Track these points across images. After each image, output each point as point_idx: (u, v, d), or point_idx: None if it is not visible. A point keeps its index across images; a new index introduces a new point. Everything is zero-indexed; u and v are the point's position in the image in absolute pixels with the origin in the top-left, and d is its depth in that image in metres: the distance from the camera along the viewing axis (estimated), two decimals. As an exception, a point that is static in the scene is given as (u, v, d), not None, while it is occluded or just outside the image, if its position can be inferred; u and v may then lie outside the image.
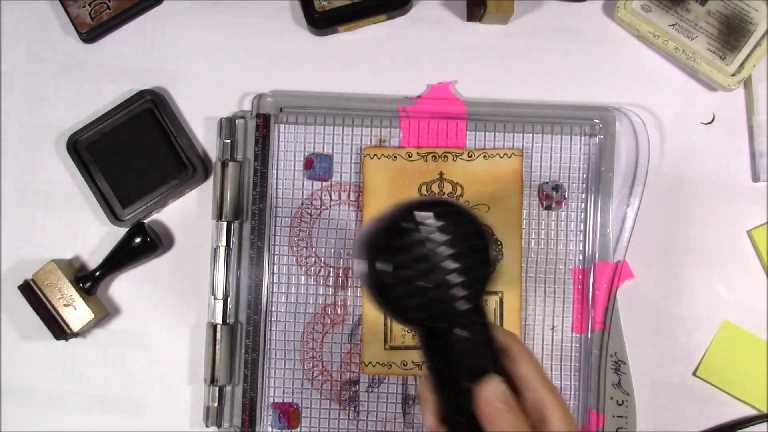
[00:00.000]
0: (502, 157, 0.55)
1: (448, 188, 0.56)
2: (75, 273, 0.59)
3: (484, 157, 0.54)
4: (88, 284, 0.58)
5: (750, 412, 0.59)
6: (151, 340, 0.60)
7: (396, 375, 0.57)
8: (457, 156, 0.54)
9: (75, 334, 0.58)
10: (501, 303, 0.53)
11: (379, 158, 0.55)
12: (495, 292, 0.55)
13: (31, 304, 0.57)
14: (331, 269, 0.59)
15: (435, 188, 0.56)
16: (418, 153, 0.55)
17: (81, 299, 0.57)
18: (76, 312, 0.57)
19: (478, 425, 0.35)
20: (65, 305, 0.57)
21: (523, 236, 0.59)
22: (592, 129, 0.59)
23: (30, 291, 0.58)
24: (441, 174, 0.55)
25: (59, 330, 0.57)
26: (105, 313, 0.60)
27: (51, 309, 0.57)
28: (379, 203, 0.56)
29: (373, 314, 0.57)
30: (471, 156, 0.54)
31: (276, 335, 0.59)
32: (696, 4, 0.58)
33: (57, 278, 0.57)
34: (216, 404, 0.58)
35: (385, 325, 0.57)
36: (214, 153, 0.60)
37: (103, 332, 0.60)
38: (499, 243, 0.55)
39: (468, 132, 0.60)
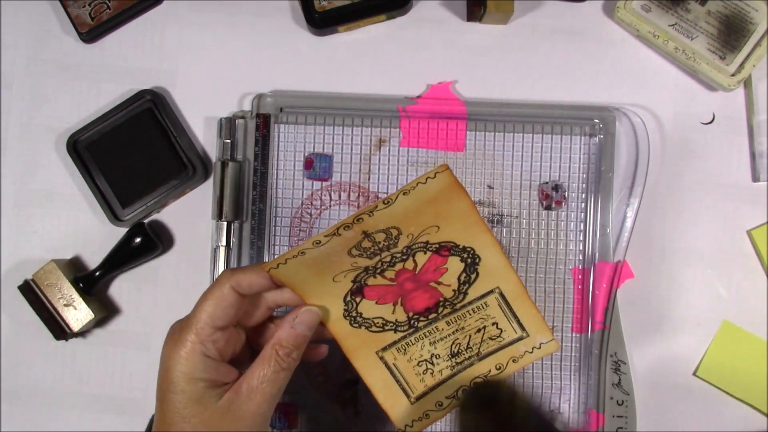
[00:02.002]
0: (425, 182, 0.45)
1: (380, 237, 0.47)
2: (75, 273, 0.59)
3: (404, 194, 0.45)
4: (88, 284, 0.58)
5: (750, 412, 0.59)
6: (151, 340, 0.60)
7: (440, 420, 0.52)
8: (372, 211, 0.45)
9: (75, 334, 0.58)
10: (502, 295, 0.51)
11: (285, 264, 0.44)
12: (490, 291, 0.50)
13: (31, 304, 0.57)
14: (331, 269, 0.59)
15: (366, 244, 0.46)
16: (325, 236, 0.44)
17: (81, 299, 0.57)
18: (76, 312, 0.57)
19: None
20: (65, 305, 0.57)
21: (523, 236, 0.59)
22: (592, 129, 0.59)
23: (30, 291, 0.58)
24: (364, 233, 0.46)
25: (59, 330, 0.57)
26: (105, 313, 0.60)
27: (51, 309, 0.57)
28: (317, 288, 0.47)
29: (378, 377, 0.50)
30: (388, 202, 0.45)
31: (276, 335, 0.59)
32: (696, 4, 0.58)
33: (57, 278, 0.57)
34: (216, 404, 0.58)
35: (398, 380, 0.50)
36: (214, 153, 0.60)
37: (103, 332, 0.61)
38: (468, 249, 0.50)
39: (468, 132, 0.60)
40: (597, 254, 0.58)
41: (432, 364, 0.51)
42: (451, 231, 0.49)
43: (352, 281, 0.48)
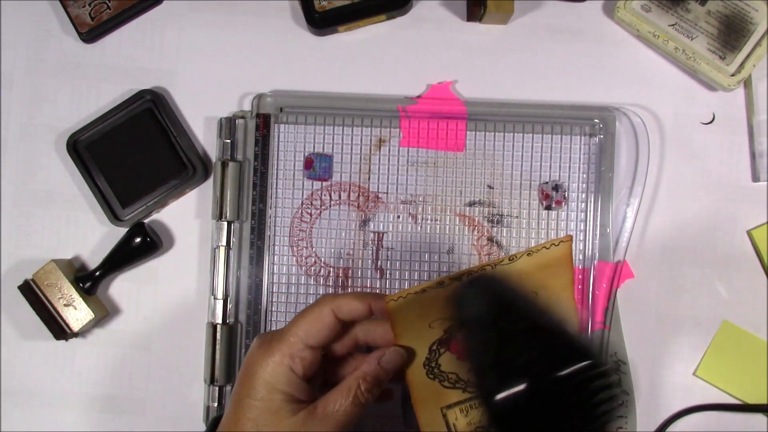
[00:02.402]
0: (549, 248, 0.46)
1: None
2: (75, 273, 0.59)
3: (529, 254, 0.45)
4: (88, 284, 0.58)
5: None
6: (151, 340, 0.60)
7: None
8: (496, 265, 0.45)
9: (75, 334, 0.58)
10: None
11: (405, 298, 0.44)
12: None
13: (31, 304, 0.57)
14: (331, 269, 0.59)
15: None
16: (450, 278, 0.44)
17: (81, 299, 0.57)
18: (76, 312, 0.57)
19: None
20: (65, 305, 0.57)
21: (523, 236, 0.59)
22: (592, 129, 0.59)
23: (30, 291, 0.58)
24: None
25: (59, 330, 0.57)
26: (105, 313, 0.60)
27: (51, 309, 0.57)
28: (413, 327, 0.46)
29: (420, 390, 0.48)
30: (513, 259, 0.45)
31: (276, 335, 0.59)
32: (696, 4, 0.58)
33: (57, 278, 0.57)
34: (216, 404, 0.58)
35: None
36: (214, 153, 0.60)
37: (103, 332, 0.60)
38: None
39: (468, 132, 0.60)
40: (597, 254, 0.58)
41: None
42: (547, 298, 0.47)
43: (444, 330, 0.47)
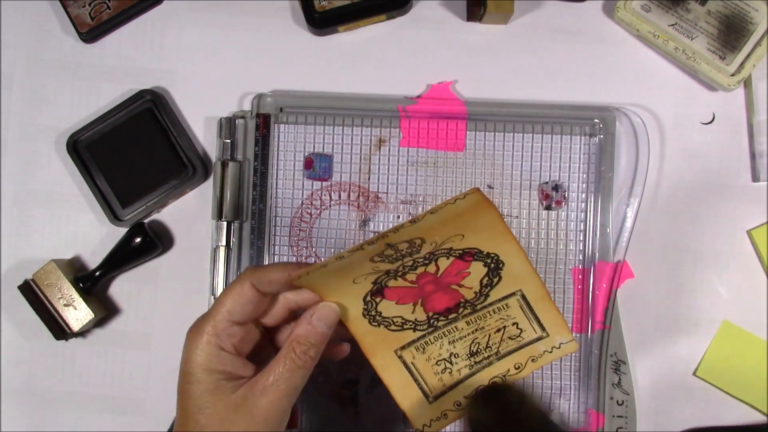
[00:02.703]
0: (454, 203, 0.44)
1: (403, 246, 0.46)
2: (75, 273, 0.59)
3: (431, 213, 0.44)
4: (88, 284, 0.58)
5: (750, 412, 0.59)
6: (151, 340, 0.60)
7: (458, 420, 0.51)
8: (398, 229, 0.44)
9: (75, 334, 0.58)
10: (524, 298, 0.50)
11: (308, 275, 0.43)
12: (512, 293, 0.50)
13: (31, 304, 0.57)
14: (331, 269, 0.59)
15: (389, 252, 0.45)
16: (348, 252, 0.43)
17: (81, 299, 0.57)
18: (76, 312, 0.57)
19: None
20: (65, 305, 0.57)
21: (523, 236, 0.59)
22: (592, 129, 0.59)
23: (30, 291, 0.58)
24: (387, 244, 0.45)
25: (59, 330, 0.57)
26: (105, 313, 0.60)
27: (51, 309, 0.57)
28: (337, 289, 0.46)
29: (396, 376, 0.49)
30: (414, 221, 0.44)
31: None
32: (696, 4, 0.58)
33: (57, 278, 0.57)
34: (216, 404, 0.58)
35: (416, 379, 0.49)
36: (214, 153, 0.60)
37: (103, 332, 0.61)
38: (492, 255, 0.49)
39: (468, 132, 0.60)
40: (597, 254, 0.58)
41: (451, 363, 0.50)
42: (477, 239, 0.48)
43: (372, 283, 0.48)
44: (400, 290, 0.49)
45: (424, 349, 0.50)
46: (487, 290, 0.50)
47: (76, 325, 0.57)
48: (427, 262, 0.48)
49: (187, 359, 0.43)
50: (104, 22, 0.60)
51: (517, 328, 0.50)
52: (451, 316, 0.50)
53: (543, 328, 0.50)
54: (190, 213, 0.61)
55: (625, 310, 0.59)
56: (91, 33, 0.60)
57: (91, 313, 0.58)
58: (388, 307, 0.49)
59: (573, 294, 0.59)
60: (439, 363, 0.50)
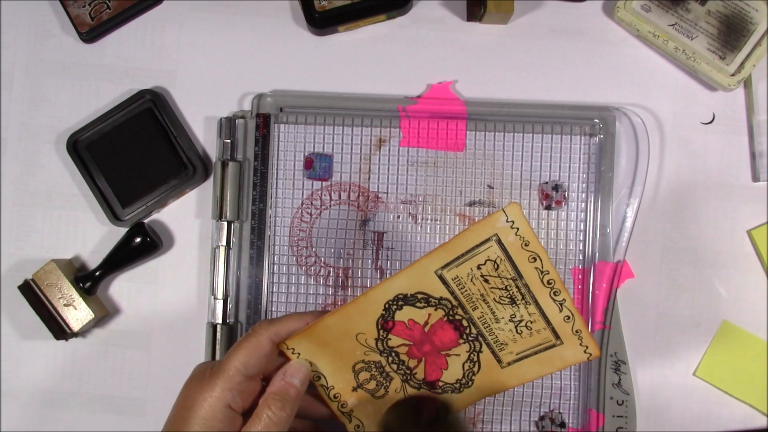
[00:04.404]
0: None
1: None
2: (75, 273, 0.59)
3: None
4: (88, 284, 0.58)
5: (750, 412, 0.59)
6: (151, 340, 0.60)
7: None
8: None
9: (75, 334, 0.58)
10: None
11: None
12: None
13: (31, 304, 0.57)
14: (331, 269, 0.59)
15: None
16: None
17: (81, 299, 0.57)
18: (76, 312, 0.57)
19: None
20: (65, 305, 0.57)
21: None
22: (592, 129, 0.59)
23: (30, 291, 0.58)
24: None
25: (59, 330, 0.57)
26: (105, 312, 0.60)
27: (51, 309, 0.57)
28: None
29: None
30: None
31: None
32: (696, 4, 0.58)
33: (57, 278, 0.57)
34: (216, 404, 0.58)
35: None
36: (214, 153, 0.60)
37: (103, 332, 0.61)
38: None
39: (468, 132, 0.60)
40: (597, 254, 0.58)
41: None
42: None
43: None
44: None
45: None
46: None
47: (76, 325, 0.57)
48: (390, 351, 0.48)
49: (190, 407, 0.42)
50: (104, 22, 0.60)
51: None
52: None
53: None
54: (190, 213, 0.61)
55: (625, 310, 0.59)
56: (91, 33, 0.60)
57: (91, 312, 0.58)
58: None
59: (573, 294, 0.59)
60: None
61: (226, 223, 0.58)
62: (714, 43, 0.58)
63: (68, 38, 0.61)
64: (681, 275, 0.60)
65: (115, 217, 0.59)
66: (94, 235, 0.61)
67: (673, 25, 0.58)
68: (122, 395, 0.60)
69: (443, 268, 0.44)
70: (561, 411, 0.59)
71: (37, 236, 0.61)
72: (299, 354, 0.46)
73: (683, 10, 0.58)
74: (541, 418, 0.59)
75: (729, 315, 0.59)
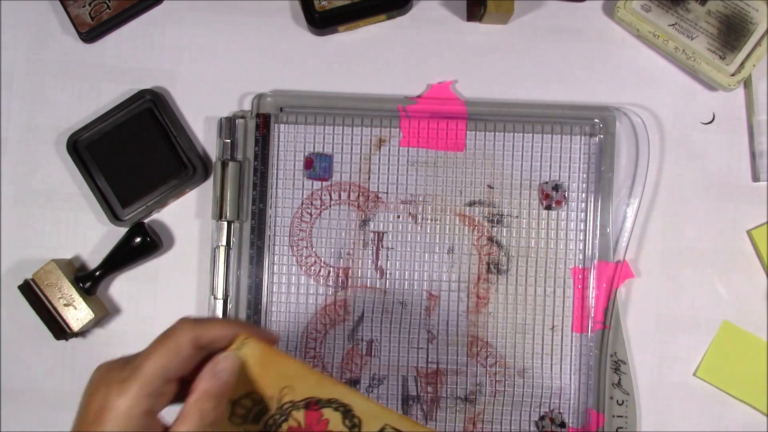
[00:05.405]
0: (239, 351, 0.43)
1: (248, 404, 0.44)
2: (75, 273, 0.59)
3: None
4: (88, 284, 0.58)
5: (750, 412, 0.59)
6: (150, 340, 0.60)
7: None
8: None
9: (75, 334, 0.58)
10: (397, 430, 0.46)
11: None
12: (382, 428, 0.45)
13: (31, 304, 0.57)
14: (331, 269, 0.59)
15: (240, 410, 0.43)
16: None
17: (81, 299, 0.57)
18: (76, 312, 0.57)
19: None
20: (65, 305, 0.57)
21: (523, 236, 0.59)
22: (592, 129, 0.59)
23: (30, 291, 0.58)
24: (230, 401, 0.43)
25: (59, 330, 0.57)
26: (105, 312, 0.60)
27: (51, 309, 0.57)
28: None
29: None
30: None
31: (276, 335, 0.59)
32: (696, 4, 0.58)
33: (57, 278, 0.57)
34: (216, 404, 0.58)
35: None
36: (214, 153, 0.60)
37: (103, 332, 0.60)
38: (333, 401, 0.45)
39: (468, 132, 0.60)
40: (597, 254, 0.58)
41: None
42: (303, 389, 0.45)
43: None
44: None
45: None
46: (357, 430, 0.46)
47: (76, 325, 0.57)
48: (284, 417, 0.45)
49: (100, 413, 0.36)
50: (104, 22, 0.60)
51: None
52: None
53: None
54: (190, 213, 0.61)
55: (625, 310, 0.59)
56: (91, 33, 0.60)
57: (91, 312, 0.58)
58: None
59: (573, 294, 0.59)
60: None
61: (226, 223, 0.58)
62: (714, 43, 0.58)
63: (68, 38, 0.61)
64: (681, 275, 0.60)
65: (115, 217, 0.59)
66: (94, 235, 0.61)
67: (673, 25, 0.58)
68: (122, 395, 0.60)
69: None
70: (561, 411, 0.59)
71: (37, 236, 0.61)
72: (239, 350, 0.42)
73: (683, 10, 0.58)
74: (541, 418, 0.59)
75: (729, 315, 0.59)
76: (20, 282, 0.58)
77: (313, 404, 0.45)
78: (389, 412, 0.46)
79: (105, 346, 0.60)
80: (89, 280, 0.58)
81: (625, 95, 0.60)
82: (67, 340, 0.59)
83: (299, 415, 0.45)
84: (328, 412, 0.46)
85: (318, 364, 0.59)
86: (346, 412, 0.46)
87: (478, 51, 0.61)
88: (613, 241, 0.59)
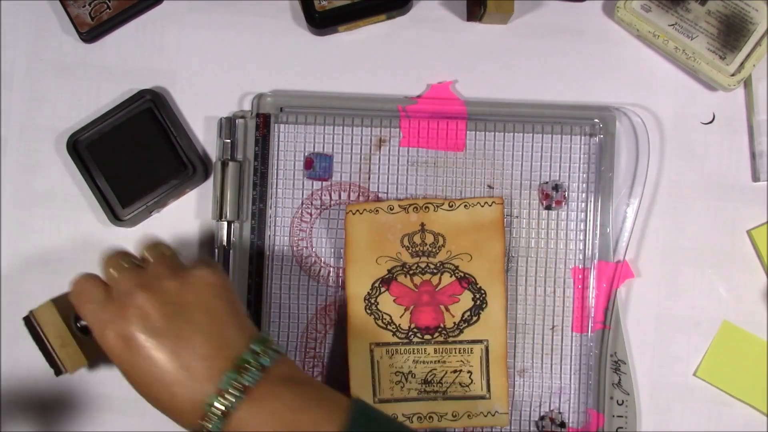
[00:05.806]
0: (482, 206, 0.56)
1: (429, 239, 0.56)
2: (73, 312, 0.54)
3: (465, 206, 0.56)
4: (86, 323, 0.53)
5: (750, 412, 0.59)
6: (151, 340, 0.60)
7: None
8: (438, 206, 0.56)
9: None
10: (486, 351, 0.55)
11: (361, 213, 0.56)
12: (480, 341, 0.55)
13: (32, 338, 0.54)
14: (331, 269, 0.59)
15: (417, 239, 0.56)
16: (399, 205, 0.56)
17: (75, 343, 0.54)
18: (71, 354, 0.54)
19: None
20: (61, 346, 0.54)
21: (523, 236, 0.59)
22: (592, 129, 0.59)
23: (30, 325, 0.54)
24: (422, 225, 0.56)
25: (56, 368, 0.54)
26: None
27: (49, 347, 0.54)
28: (363, 257, 0.56)
29: (361, 365, 0.56)
30: (452, 206, 0.56)
31: (276, 335, 0.59)
32: (696, 3, 0.58)
33: (54, 319, 0.54)
34: (216, 404, 0.58)
35: (374, 377, 0.56)
36: (214, 153, 0.60)
37: (103, 332, 0.60)
38: (482, 291, 0.55)
39: (468, 132, 0.60)
40: (597, 254, 0.58)
41: (406, 379, 0.55)
42: (478, 267, 0.56)
43: (388, 270, 0.56)
44: (403, 289, 0.55)
45: (392, 355, 0.55)
46: (464, 326, 0.55)
47: (71, 368, 0.54)
48: (435, 271, 0.55)
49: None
50: (104, 22, 0.60)
51: (470, 378, 0.55)
52: (425, 337, 0.55)
53: (489, 389, 0.55)
54: (190, 213, 0.61)
55: (625, 310, 0.59)
56: (91, 33, 0.60)
57: (84, 359, 0.54)
58: (386, 301, 0.55)
59: (573, 294, 0.59)
60: (397, 374, 0.55)
61: (226, 223, 0.58)
62: (714, 43, 0.58)
63: (68, 38, 0.61)
64: (681, 275, 0.60)
65: (115, 217, 0.59)
66: (94, 235, 0.61)
67: (673, 25, 0.58)
68: (122, 395, 0.60)
69: None
70: (561, 411, 0.59)
71: (37, 236, 0.61)
72: None
73: (683, 10, 0.58)
74: (541, 418, 0.59)
75: (729, 315, 0.59)
76: (20, 282, 0.58)
77: (466, 281, 0.57)
78: (502, 332, 0.56)
79: (105, 346, 0.60)
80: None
81: (625, 95, 0.60)
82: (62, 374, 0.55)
83: (446, 279, 0.57)
84: (466, 296, 0.56)
85: (318, 364, 0.59)
86: (478, 306, 0.57)
87: (478, 51, 0.61)
88: (613, 241, 0.59)
